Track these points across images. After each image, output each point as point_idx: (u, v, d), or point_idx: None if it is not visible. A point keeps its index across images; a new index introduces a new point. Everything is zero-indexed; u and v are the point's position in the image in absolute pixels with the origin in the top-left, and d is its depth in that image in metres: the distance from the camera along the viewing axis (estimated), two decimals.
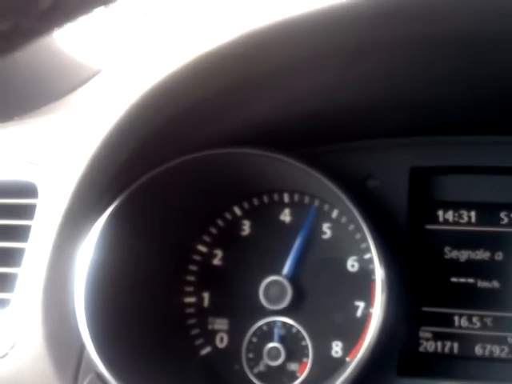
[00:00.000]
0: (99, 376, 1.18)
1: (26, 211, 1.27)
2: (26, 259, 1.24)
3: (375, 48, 1.01)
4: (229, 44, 1.02)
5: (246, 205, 1.44)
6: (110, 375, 1.16)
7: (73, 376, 1.20)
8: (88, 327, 1.18)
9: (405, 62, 1.07)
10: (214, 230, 1.45)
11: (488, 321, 1.30)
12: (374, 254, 1.21)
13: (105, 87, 1.33)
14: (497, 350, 1.30)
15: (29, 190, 1.28)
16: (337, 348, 1.34)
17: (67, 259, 1.22)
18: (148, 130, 1.20)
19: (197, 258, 1.45)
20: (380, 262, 1.20)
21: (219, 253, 1.44)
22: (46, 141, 1.36)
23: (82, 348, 1.20)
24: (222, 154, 1.27)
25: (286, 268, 1.36)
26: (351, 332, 1.32)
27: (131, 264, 1.31)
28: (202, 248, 1.45)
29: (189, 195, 1.36)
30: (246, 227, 1.43)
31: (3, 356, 1.22)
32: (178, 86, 1.11)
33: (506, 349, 1.29)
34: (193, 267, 1.45)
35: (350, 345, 1.32)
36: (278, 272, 1.37)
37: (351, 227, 1.35)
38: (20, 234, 1.26)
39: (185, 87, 1.11)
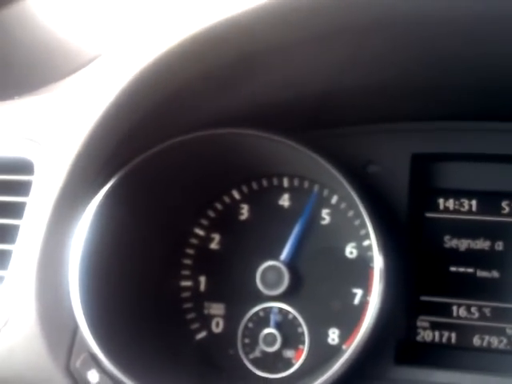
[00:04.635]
0: (92, 356, 1.18)
1: (22, 188, 1.27)
2: (20, 236, 1.24)
3: (376, 31, 1.00)
4: (219, 25, 1.01)
5: (244, 189, 1.43)
6: (103, 355, 1.17)
7: (66, 355, 1.20)
8: (82, 307, 1.18)
9: (405, 47, 1.06)
10: (212, 214, 1.44)
11: (487, 311, 1.30)
12: (373, 240, 1.20)
13: (102, 71, 1.32)
14: (495, 341, 1.29)
15: (25, 167, 1.27)
16: (333, 335, 1.34)
17: (62, 237, 1.21)
18: (145, 109, 1.18)
19: (194, 241, 1.44)
20: (379, 249, 1.19)
21: (217, 237, 1.44)
22: (43, 118, 1.34)
23: (75, 327, 1.20)
24: (223, 134, 1.26)
25: (284, 253, 1.36)
26: (348, 319, 1.32)
27: (126, 245, 1.30)
28: (200, 231, 1.44)
29: (187, 177, 1.35)
30: (245, 211, 1.43)
31: None
32: (175, 65, 1.10)
33: (505, 340, 1.29)
34: (190, 251, 1.44)
35: (347, 332, 1.32)
36: (275, 257, 1.36)
37: (350, 213, 1.34)
38: (15, 210, 1.26)
39: (183, 65, 1.10)
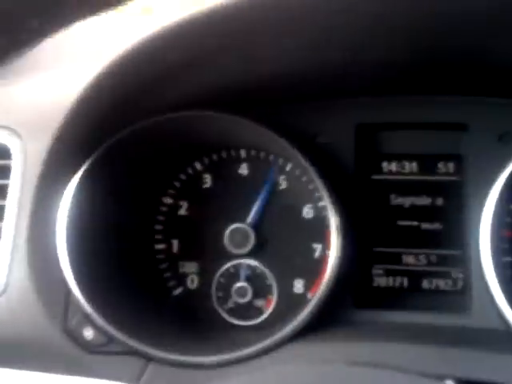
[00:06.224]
0: (86, 315, 1.27)
1: (2, 172, 1.34)
2: (7, 214, 1.31)
3: (325, 14, 1.05)
4: (182, 22, 1.06)
5: (206, 160, 1.52)
6: (95, 314, 1.26)
7: (62, 316, 1.28)
8: (72, 273, 1.27)
9: (341, 29, 1.11)
10: (177, 184, 1.54)
11: (433, 258, 1.43)
12: (327, 202, 1.31)
13: (75, 60, 1.39)
14: (442, 284, 1.43)
15: (2, 153, 1.35)
16: (298, 285, 1.47)
17: (48, 211, 1.29)
18: (117, 93, 1.25)
19: (164, 209, 1.54)
20: (333, 210, 1.30)
21: (184, 204, 1.54)
22: (17, 105, 1.41)
23: (68, 291, 1.28)
24: (184, 116, 1.34)
25: (250, 217, 1.47)
26: (311, 271, 1.44)
27: (105, 217, 1.39)
28: (168, 200, 1.54)
29: (154, 153, 1.44)
30: (208, 180, 1.52)
31: None
32: (144, 53, 1.14)
33: (450, 282, 1.42)
34: (161, 217, 1.54)
35: (310, 282, 1.45)
36: (240, 220, 1.47)
37: (304, 178, 1.44)
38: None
39: (150, 56, 1.14)
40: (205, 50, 1.14)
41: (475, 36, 1.11)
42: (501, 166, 1.29)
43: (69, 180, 1.30)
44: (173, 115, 1.33)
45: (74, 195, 1.30)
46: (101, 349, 1.28)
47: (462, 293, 1.40)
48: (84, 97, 1.24)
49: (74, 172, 1.31)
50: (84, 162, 1.31)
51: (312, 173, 1.32)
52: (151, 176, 1.49)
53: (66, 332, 1.28)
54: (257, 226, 1.46)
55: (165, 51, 1.13)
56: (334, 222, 1.30)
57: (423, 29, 1.08)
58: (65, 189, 1.30)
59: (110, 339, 1.28)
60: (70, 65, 1.36)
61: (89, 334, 1.28)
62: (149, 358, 1.26)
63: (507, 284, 1.27)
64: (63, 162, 1.32)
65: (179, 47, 1.12)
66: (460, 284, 1.42)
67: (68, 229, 1.29)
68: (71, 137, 1.31)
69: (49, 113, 1.31)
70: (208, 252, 1.51)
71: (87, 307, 1.26)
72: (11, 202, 1.32)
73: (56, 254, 1.28)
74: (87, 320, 1.28)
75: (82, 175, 1.31)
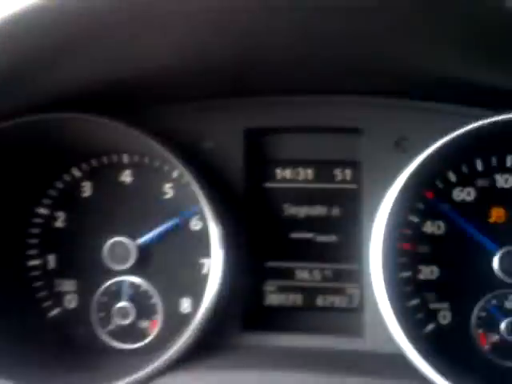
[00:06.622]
0: None
1: None
2: None
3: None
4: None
5: (84, 166, 1.41)
6: None
7: None
8: None
9: (222, 32, 1.03)
10: (53, 193, 1.42)
11: (328, 273, 1.36)
12: (208, 212, 1.22)
13: None
14: (337, 301, 1.36)
15: None
16: (186, 304, 1.37)
17: None
18: None
19: (38, 220, 1.42)
20: (214, 220, 1.21)
21: (61, 215, 1.42)
22: None
23: None
24: (48, 118, 1.23)
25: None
26: (199, 288, 1.32)
27: None
28: (43, 211, 1.42)
29: (22, 159, 1.32)
30: (87, 188, 1.41)
31: None
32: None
33: (346, 299, 1.35)
34: (35, 230, 1.42)
35: (198, 301, 1.32)
36: (122, 232, 1.36)
37: (193, 187, 1.31)
38: None
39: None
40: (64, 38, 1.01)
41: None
42: (396, 175, 1.22)
43: None
44: (33, 117, 1.21)
45: None
46: None
47: (357, 311, 1.34)
48: None
49: None
50: None
51: (192, 180, 1.23)
52: (21, 184, 1.37)
53: None
54: (139, 239, 1.36)
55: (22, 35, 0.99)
56: (215, 233, 1.21)
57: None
58: None
59: None
60: None
61: None
62: None
63: (402, 302, 1.22)
64: None
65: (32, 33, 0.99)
66: (356, 301, 1.35)
67: None
68: None
69: None
70: (87, 268, 1.40)
71: None
72: None
73: None
74: None
75: None
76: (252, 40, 1.06)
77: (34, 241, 1.42)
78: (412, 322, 1.22)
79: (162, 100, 1.32)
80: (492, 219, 1.26)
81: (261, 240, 1.37)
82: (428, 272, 1.27)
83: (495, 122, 1.15)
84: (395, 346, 1.17)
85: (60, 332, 1.40)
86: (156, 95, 1.31)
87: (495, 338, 1.24)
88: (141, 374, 1.15)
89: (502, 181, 1.26)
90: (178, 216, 1.37)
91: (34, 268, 1.42)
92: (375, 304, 1.21)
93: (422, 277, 1.27)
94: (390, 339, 1.18)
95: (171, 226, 1.36)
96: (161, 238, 1.36)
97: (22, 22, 0.94)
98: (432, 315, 1.26)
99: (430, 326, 1.26)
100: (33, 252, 1.42)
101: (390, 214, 1.19)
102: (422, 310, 1.26)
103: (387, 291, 1.17)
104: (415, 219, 1.27)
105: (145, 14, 0.92)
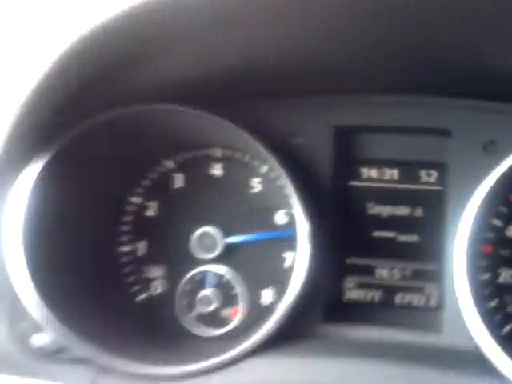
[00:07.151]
0: (35, 322, 1.20)
1: None
2: None
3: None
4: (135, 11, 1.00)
5: (178, 158, 1.46)
6: (50, 320, 1.19)
7: (7, 323, 1.23)
8: (28, 277, 1.19)
9: (322, 28, 1.07)
10: (146, 183, 1.47)
11: (407, 272, 1.38)
12: (298, 207, 1.25)
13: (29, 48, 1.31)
14: (415, 300, 1.37)
15: None
16: (266, 296, 1.40)
17: None
18: (75, 83, 1.16)
19: (131, 208, 1.47)
20: (304, 216, 1.24)
21: (153, 204, 1.47)
22: None
23: (15, 297, 1.20)
24: (150, 110, 1.27)
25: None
26: (280, 281, 1.38)
27: (66, 217, 1.32)
28: (136, 199, 1.47)
29: (120, 148, 1.37)
30: (179, 180, 1.46)
31: None
32: (102, 43, 1.07)
33: (424, 299, 1.37)
34: (127, 218, 1.48)
35: (280, 293, 1.38)
36: (210, 223, 1.41)
37: (280, 182, 1.37)
38: None
39: (108, 44, 1.08)
40: (161, 38, 1.07)
41: (465, 34, 1.05)
42: (483, 178, 1.23)
43: (17, 178, 1.22)
44: (135, 108, 1.26)
45: (29, 194, 1.22)
46: (50, 356, 1.22)
47: (435, 310, 1.35)
48: (36, 89, 1.15)
49: (31, 164, 1.23)
50: (38, 158, 1.23)
51: (284, 176, 1.26)
52: (116, 174, 1.42)
53: (13, 338, 1.22)
54: (226, 230, 1.41)
55: (123, 36, 1.06)
56: (304, 229, 1.24)
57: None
58: (11, 189, 1.22)
59: (61, 347, 1.21)
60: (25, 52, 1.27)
61: (37, 340, 1.22)
62: (102, 368, 1.20)
63: (482, 303, 1.22)
64: (12, 160, 1.22)
65: (133, 35, 1.05)
66: (434, 301, 1.36)
67: (25, 231, 1.21)
68: (27, 129, 1.20)
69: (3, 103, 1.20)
70: (175, 256, 1.45)
71: (42, 312, 1.19)
72: None
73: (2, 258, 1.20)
74: (36, 326, 1.21)
75: (39, 173, 1.22)
76: (347, 39, 1.09)
77: (126, 228, 1.47)
78: (491, 322, 1.22)
79: (254, 96, 1.35)
80: None
81: (344, 237, 1.39)
82: (508, 276, 1.28)
83: None
84: (473, 343, 1.19)
85: (146, 316, 1.45)
86: (248, 91, 1.34)
87: None
88: (222, 358, 1.19)
89: None
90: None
91: (125, 254, 1.47)
92: (455, 303, 1.22)
93: (501, 280, 1.28)
94: (467, 337, 1.20)
95: (263, 236, 1.40)
96: (250, 242, 1.40)
97: (142, 16, 1.00)
98: (510, 317, 1.27)
99: (508, 328, 1.26)
100: (124, 239, 1.47)
101: (476, 217, 1.20)
102: (500, 312, 1.27)
103: (470, 292, 1.19)
104: (499, 223, 1.28)
105: (259, 12, 0.96)
